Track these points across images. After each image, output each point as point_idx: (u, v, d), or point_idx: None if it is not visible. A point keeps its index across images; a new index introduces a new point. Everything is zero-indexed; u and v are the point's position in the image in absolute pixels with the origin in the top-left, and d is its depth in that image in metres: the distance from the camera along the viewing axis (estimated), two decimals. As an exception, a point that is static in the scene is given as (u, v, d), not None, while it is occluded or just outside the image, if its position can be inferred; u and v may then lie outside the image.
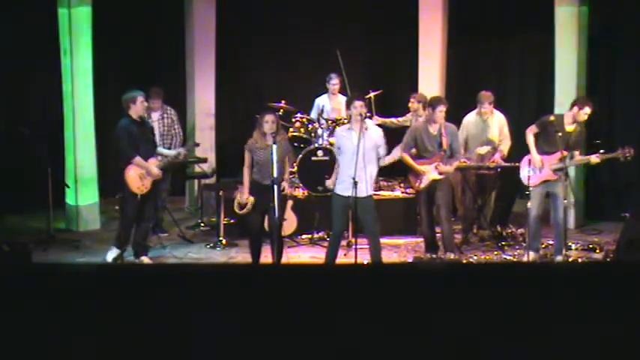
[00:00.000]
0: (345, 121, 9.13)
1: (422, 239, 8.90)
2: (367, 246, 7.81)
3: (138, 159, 8.17)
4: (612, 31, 10.58)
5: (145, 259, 8.45)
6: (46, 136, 10.24)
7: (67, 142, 10.13)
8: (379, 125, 9.50)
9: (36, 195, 9.80)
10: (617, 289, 2.64)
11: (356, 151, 7.40)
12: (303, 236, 9.52)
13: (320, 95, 10.46)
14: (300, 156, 9.52)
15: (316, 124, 10.03)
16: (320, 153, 9.58)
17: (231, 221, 9.41)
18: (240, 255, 8.87)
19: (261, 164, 7.65)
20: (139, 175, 8.20)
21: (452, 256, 8.49)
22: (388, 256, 8.63)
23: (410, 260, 8.64)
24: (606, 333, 2.58)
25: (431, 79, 11.04)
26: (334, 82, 10.29)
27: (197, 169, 10.54)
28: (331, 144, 9.57)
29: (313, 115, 10.32)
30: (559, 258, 8.29)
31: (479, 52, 11.80)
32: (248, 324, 2.58)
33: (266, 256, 8.05)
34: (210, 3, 11.35)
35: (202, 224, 10.11)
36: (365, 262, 7.79)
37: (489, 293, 2.64)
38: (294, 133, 9.98)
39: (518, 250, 8.91)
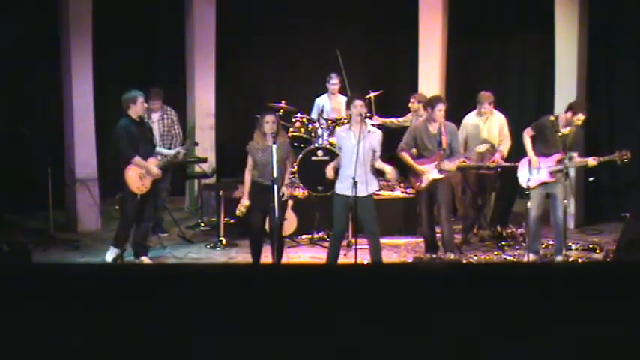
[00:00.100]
0: (345, 121, 9.13)
1: (422, 239, 8.90)
2: (367, 246, 7.81)
3: (137, 159, 8.17)
4: (612, 31, 10.59)
5: (145, 259, 8.45)
6: (46, 136, 10.26)
7: (67, 142, 10.13)
8: (379, 125, 9.50)
9: (36, 195, 9.80)
10: (617, 289, 2.64)
11: (356, 151, 7.40)
12: (303, 236, 9.52)
13: (320, 95, 10.47)
14: (300, 156, 9.52)
15: (316, 124, 10.03)
16: (320, 153, 9.58)
17: (231, 221, 9.40)
18: (240, 255, 8.87)
19: (262, 165, 7.65)
20: (138, 175, 8.20)
21: (452, 256, 8.49)
22: (388, 256, 8.63)
23: (410, 260, 8.64)
24: (606, 333, 2.58)
25: (431, 79, 11.04)
26: (334, 82, 10.30)
27: (197, 169, 10.54)
28: (331, 144, 9.57)
29: (313, 115, 10.33)
30: (559, 258, 8.30)
31: (479, 52, 11.80)
32: (248, 324, 2.58)
33: (266, 256, 8.06)
34: (210, 3, 11.35)
35: (202, 224, 10.11)
36: (365, 262, 7.79)
37: (489, 293, 2.64)
38: (294, 133, 9.98)
39: (518, 250, 8.91)
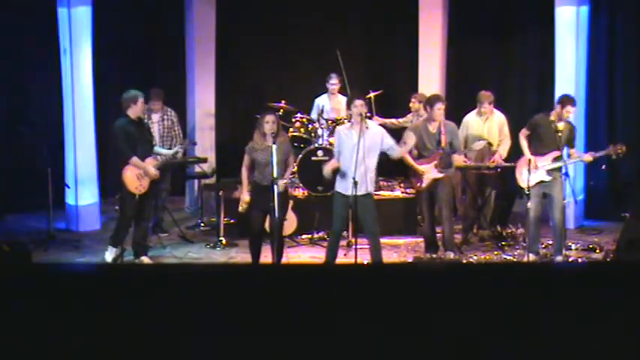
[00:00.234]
0: (345, 120, 9.13)
1: (422, 239, 8.90)
2: (367, 246, 7.82)
3: (135, 159, 8.16)
4: (612, 31, 10.59)
5: (145, 259, 8.45)
6: (46, 136, 10.25)
7: (67, 142, 10.13)
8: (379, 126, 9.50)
9: (36, 195, 9.80)
10: (617, 289, 2.64)
11: (356, 150, 7.40)
12: (303, 236, 9.52)
13: (320, 95, 10.47)
14: (300, 156, 9.51)
15: (316, 124, 10.03)
16: (320, 153, 9.57)
17: (231, 221, 9.41)
18: (240, 255, 8.86)
19: (262, 165, 7.65)
20: (136, 175, 8.19)
21: (452, 255, 8.49)
22: (388, 256, 8.63)
23: (410, 260, 8.64)
24: (606, 333, 2.58)
25: (431, 79, 11.04)
26: (333, 82, 10.30)
27: (197, 169, 10.54)
28: (331, 144, 9.57)
29: (313, 115, 10.33)
30: (559, 258, 8.30)
31: (479, 52, 11.80)
32: (248, 324, 2.58)
33: (266, 256, 8.06)
34: (210, 3, 11.35)
35: (202, 224, 10.11)
36: (365, 262, 7.79)
37: (489, 293, 2.64)
38: (294, 133, 9.98)
39: (518, 250, 8.91)
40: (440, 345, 2.58)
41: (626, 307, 2.60)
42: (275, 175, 7.38)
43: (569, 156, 8.29)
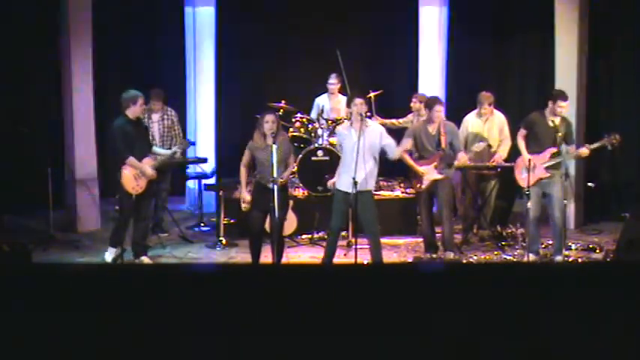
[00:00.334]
0: (345, 120, 9.13)
1: (422, 239, 8.90)
2: (367, 246, 7.82)
3: (131, 159, 8.16)
4: (612, 31, 10.59)
5: (145, 259, 8.45)
6: (46, 136, 10.25)
7: (67, 142, 10.12)
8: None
9: (36, 195, 9.80)
10: (617, 289, 2.64)
11: (356, 149, 7.41)
12: (303, 236, 9.52)
13: (320, 95, 10.47)
14: (300, 156, 9.51)
15: (316, 124, 10.03)
16: (320, 153, 9.58)
17: (231, 221, 9.41)
18: (240, 255, 8.86)
19: (262, 164, 7.65)
20: (133, 176, 8.18)
21: (451, 255, 8.49)
22: (388, 256, 8.63)
23: (410, 260, 8.64)
24: (606, 333, 2.58)
25: (431, 79, 11.04)
26: (332, 82, 10.30)
27: (197, 169, 10.54)
28: (331, 144, 9.57)
29: (313, 114, 10.33)
30: (559, 258, 8.30)
31: (479, 52, 11.80)
32: (248, 324, 2.58)
33: (266, 256, 8.05)
34: (210, 3, 11.35)
35: (202, 224, 10.11)
36: (365, 262, 7.79)
37: (489, 293, 2.64)
38: (294, 133, 9.98)
39: (518, 250, 8.91)
40: (440, 345, 2.58)
41: (626, 307, 2.60)
42: (275, 175, 7.38)
43: (567, 152, 8.28)
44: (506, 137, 9.27)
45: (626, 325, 2.58)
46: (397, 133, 9.58)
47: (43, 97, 11.11)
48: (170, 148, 9.64)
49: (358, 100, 7.64)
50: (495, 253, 8.89)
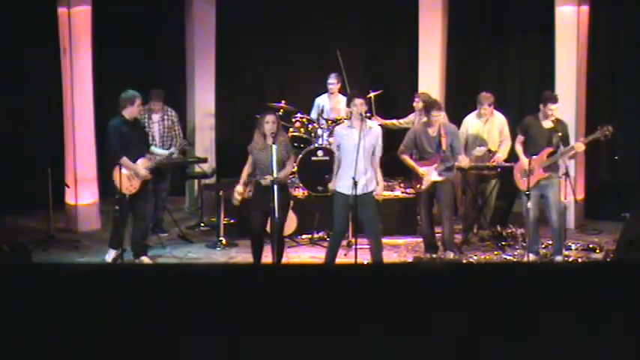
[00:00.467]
0: (345, 120, 9.13)
1: (422, 239, 8.90)
2: (368, 246, 7.81)
3: (124, 160, 8.16)
4: (612, 31, 10.59)
5: (145, 259, 8.45)
6: (46, 136, 10.25)
7: (67, 142, 10.12)
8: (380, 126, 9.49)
9: (36, 195, 9.80)
10: (617, 289, 2.64)
11: (356, 149, 7.41)
12: (303, 236, 9.52)
13: (320, 95, 10.47)
14: (300, 156, 9.51)
15: (316, 124, 10.03)
16: (320, 153, 9.58)
17: (231, 221, 9.41)
18: (240, 255, 8.87)
19: (262, 165, 7.65)
20: (126, 176, 8.19)
21: (452, 255, 8.49)
22: (388, 256, 8.63)
23: (410, 260, 8.64)
24: (606, 333, 2.58)
25: (431, 79, 11.03)
26: (332, 82, 10.29)
27: (197, 169, 10.54)
28: (331, 144, 9.57)
29: (313, 114, 10.33)
30: (558, 258, 8.30)
31: (479, 52, 11.80)
32: (248, 324, 2.58)
33: (266, 256, 8.05)
34: (210, 3, 11.35)
35: (202, 224, 10.11)
36: (365, 262, 7.79)
37: (489, 293, 2.64)
38: (294, 133, 9.98)
39: (518, 250, 8.91)
40: (440, 345, 2.58)
41: (626, 307, 2.60)
42: (275, 175, 7.38)
43: (564, 149, 8.27)
44: (506, 138, 9.27)
45: (626, 325, 2.58)
46: (399, 134, 9.59)
47: (43, 97, 11.11)
48: (170, 149, 9.66)
49: (358, 101, 7.64)
50: (495, 253, 8.89)
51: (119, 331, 2.58)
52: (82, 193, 10.03)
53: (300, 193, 9.74)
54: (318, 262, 8.24)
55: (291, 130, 9.96)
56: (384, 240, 8.38)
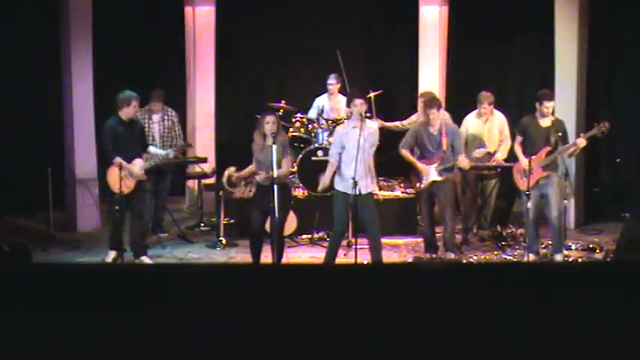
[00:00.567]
0: (345, 120, 9.13)
1: (422, 239, 8.90)
2: (367, 246, 7.81)
3: (117, 159, 8.17)
4: (613, 31, 10.59)
5: (145, 259, 8.45)
6: (46, 136, 10.25)
7: (67, 142, 10.12)
8: (383, 129, 9.48)
9: (36, 195, 9.80)
10: (617, 289, 2.64)
11: (357, 149, 7.41)
12: (303, 236, 9.51)
13: (320, 95, 10.46)
14: (300, 156, 9.51)
15: (316, 124, 10.03)
16: (320, 153, 9.57)
17: (231, 221, 9.41)
18: (240, 255, 8.86)
19: (262, 165, 7.64)
20: (119, 176, 8.19)
21: (452, 255, 8.48)
22: (388, 256, 8.63)
23: (410, 260, 8.64)
24: (606, 333, 2.58)
25: (431, 79, 11.03)
26: (331, 83, 10.26)
27: (197, 169, 10.53)
28: (331, 144, 9.56)
29: (311, 114, 10.32)
30: (558, 257, 8.29)
31: (479, 52, 11.79)
32: (248, 324, 2.58)
33: (266, 256, 8.05)
34: (210, 3, 11.35)
35: (202, 224, 10.11)
36: (365, 262, 7.79)
37: (489, 293, 2.64)
38: (294, 133, 9.98)
39: (518, 250, 8.91)
40: (440, 345, 2.58)
41: (626, 307, 2.60)
42: (275, 175, 7.37)
43: (563, 150, 8.27)
44: (506, 137, 9.26)
45: (626, 325, 2.58)
46: (399, 134, 9.58)
47: (43, 97, 11.11)
48: (170, 149, 9.65)
49: (358, 101, 7.65)
50: (495, 253, 8.88)
51: (119, 331, 2.58)
52: (82, 193, 10.02)
53: (300, 193, 9.73)
54: (318, 262, 8.24)
55: (291, 130, 9.95)
56: (384, 240, 8.39)
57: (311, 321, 2.59)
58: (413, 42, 11.27)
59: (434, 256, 8.60)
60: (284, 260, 7.94)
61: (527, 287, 2.65)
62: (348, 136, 7.64)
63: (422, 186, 8.48)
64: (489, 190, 9.37)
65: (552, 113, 8.44)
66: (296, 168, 9.44)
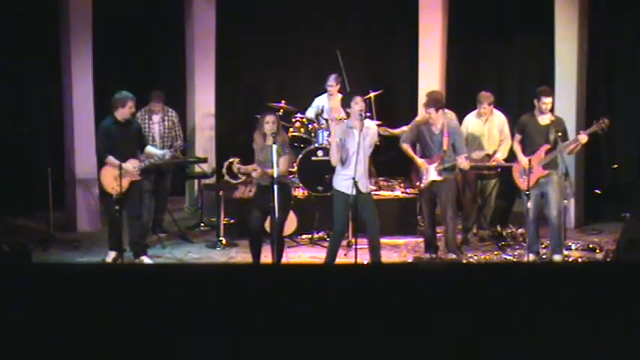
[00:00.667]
0: (345, 120, 9.11)
1: (422, 239, 8.90)
2: (367, 246, 7.81)
3: (110, 159, 8.18)
4: (613, 30, 10.59)
5: (145, 259, 8.45)
6: (46, 136, 10.25)
7: (67, 142, 10.13)
8: (389, 137, 9.49)
9: (36, 195, 9.80)
10: (617, 289, 2.64)
11: (356, 149, 7.42)
12: (303, 236, 9.51)
13: (320, 95, 10.46)
14: (300, 156, 9.51)
15: (316, 124, 10.03)
16: (320, 153, 9.57)
17: (231, 221, 9.41)
18: (240, 255, 8.86)
19: (261, 164, 7.64)
20: (113, 176, 8.19)
21: (453, 256, 8.48)
22: (388, 256, 8.63)
23: (410, 260, 8.64)
24: (606, 333, 2.58)
25: (431, 79, 11.03)
26: (331, 84, 10.20)
27: (197, 169, 10.54)
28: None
29: (309, 113, 10.31)
30: (557, 257, 8.29)
31: (479, 52, 11.80)
32: (248, 324, 2.58)
33: (266, 256, 8.05)
34: (210, 3, 11.35)
35: (202, 224, 10.11)
36: (365, 262, 7.79)
37: (489, 293, 2.64)
38: (294, 133, 9.98)
39: (518, 250, 8.91)
40: (440, 345, 2.58)
41: (626, 307, 2.60)
42: (275, 175, 7.37)
43: (564, 147, 8.26)
44: (506, 137, 9.26)
45: (626, 325, 2.58)
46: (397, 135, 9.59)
47: (43, 97, 11.11)
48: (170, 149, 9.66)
49: (358, 98, 7.64)
50: (495, 253, 8.88)
51: (119, 331, 2.58)
52: (82, 193, 10.02)
53: (300, 193, 9.73)
54: (318, 262, 8.24)
55: (291, 130, 9.95)
56: (385, 240, 8.39)
57: (311, 321, 2.59)
58: (413, 42, 11.27)
59: (434, 256, 8.60)
60: (284, 260, 7.94)
61: (527, 287, 2.65)
62: (347, 137, 7.62)
63: (422, 185, 8.48)
64: (489, 190, 9.37)
65: (552, 111, 8.44)
66: (296, 168, 9.44)
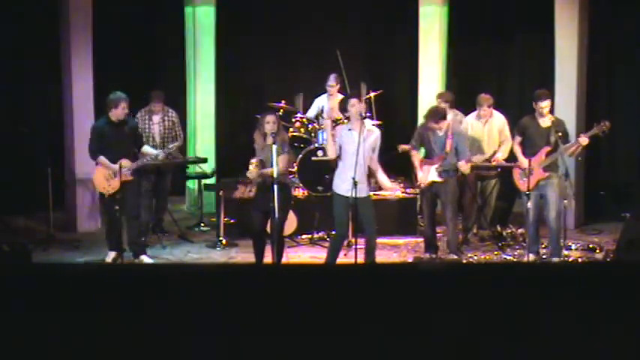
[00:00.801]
0: (345, 121, 9.12)
1: (422, 239, 8.90)
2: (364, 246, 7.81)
3: (101, 159, 8.20)
4: (613, 30, 10.58)
5: (145, 259, 8.45)
6: (46, 136, 10.24)
7: (67, 142, 10.13)
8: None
9: (36, 195, 9.80)
10: (617, 289, 2.64)
11: (356, 152, 7.40)
12: (303, 236, 9.51)
13: (320, 95, 10.46)
14: (300, 156, 9.51)
15: (316, 124, 10.03)
16: (320, 153, 9.57)
17: (231, 221, 9.40)
18: (240, 255, 8.86)
19: (263, 164, 7.63)
20: (104, 176, 8.20)
21: (454, 257, 8.48)
22: (388, 256, 8.63)
23: (410, 260, 8.64)
24: (606, 333, 2.58)
25: (431, 79, 11.03)
26: (331, 85, 10.20)
27: (197, 169, 10.54)
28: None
29: (310, 113, 10.31)
30: (556, 260, 8.28)
31: (479, 52, 11.79)
32: (248, 324, 2.58)
33: (266, 256, 8.05)
34: (210, 3, 11.35)
35: (202, 224, 10.11)
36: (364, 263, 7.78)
37: (489, 293, 2.64)
38: (294, 133, 9.98)
39: (518, 250, 8.91)
40: (440, 345, 2.58)
41: (626, 307, 2.60)
42: (275, 175, 7.36)
43: (565, 149, 8.26)
44: (506, 138, 9.26)
45: (626, 325, 2.58)
46: (397, 135, 9.58)
47: (43, 97, 11.11)
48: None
49: (353, 100, 7.63)
50: (495, 253, 8.88)
51: (119, 331, 2.58)
52: (82, 193, 10.02)
53: (300, 193, 9.73)
54: (318, 262, 8.23)
55: (291, 130, 9.95)
56: (384, 240, 8.39)
57: (311, 321, 2.59)
58: (413, 42, 11.26)
59: (434, 256, 8.60)
60: (284, 260, 7.93)
61: (527, 287, 2.65)
62: (347, 138, 7.61)
63: (422, 185, 8.51)
64: (489, 190, 9.37)
65: (551, 112, 8.44)
66: (296, 168, 9.44)
